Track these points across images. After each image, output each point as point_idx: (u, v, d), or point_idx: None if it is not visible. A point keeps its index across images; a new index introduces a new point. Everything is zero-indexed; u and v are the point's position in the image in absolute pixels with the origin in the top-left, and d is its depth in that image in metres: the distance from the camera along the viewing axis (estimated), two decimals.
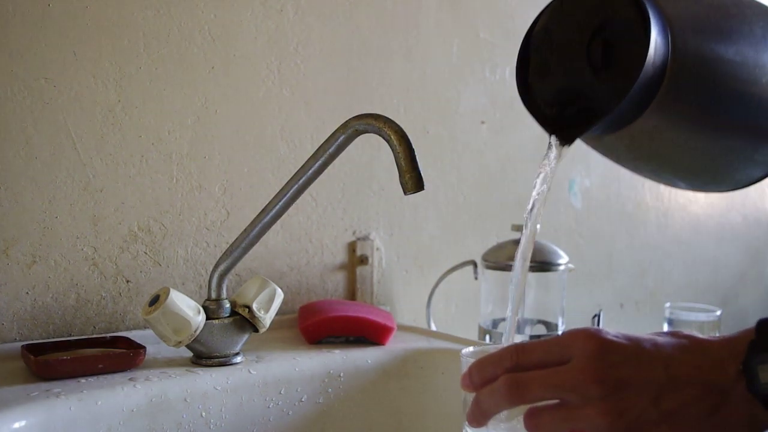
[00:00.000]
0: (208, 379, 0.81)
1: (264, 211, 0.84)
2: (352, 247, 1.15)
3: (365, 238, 1.16)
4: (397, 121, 0.77)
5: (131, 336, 0.89)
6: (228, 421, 0.82)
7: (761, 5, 0.65)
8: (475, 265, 1.19)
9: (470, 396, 0.55)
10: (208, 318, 0.84)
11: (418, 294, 1.23)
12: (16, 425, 0.68)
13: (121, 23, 0.93)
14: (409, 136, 0.76)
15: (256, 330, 0.86)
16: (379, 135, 0.77)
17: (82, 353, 0.83)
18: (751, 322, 0.51)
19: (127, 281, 0.95)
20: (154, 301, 0.81)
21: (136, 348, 0.83)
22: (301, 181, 0.82)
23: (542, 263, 1.12)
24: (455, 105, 1.27)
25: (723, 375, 0.49)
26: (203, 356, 0.85)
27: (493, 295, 1.18)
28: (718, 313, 1.29)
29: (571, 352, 0.51)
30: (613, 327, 1.07)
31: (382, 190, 1.18)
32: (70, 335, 0.91)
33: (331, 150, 0.80)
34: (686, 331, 0.53)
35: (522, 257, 0.66)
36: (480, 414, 0.53)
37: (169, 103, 0.97)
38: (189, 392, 0.79)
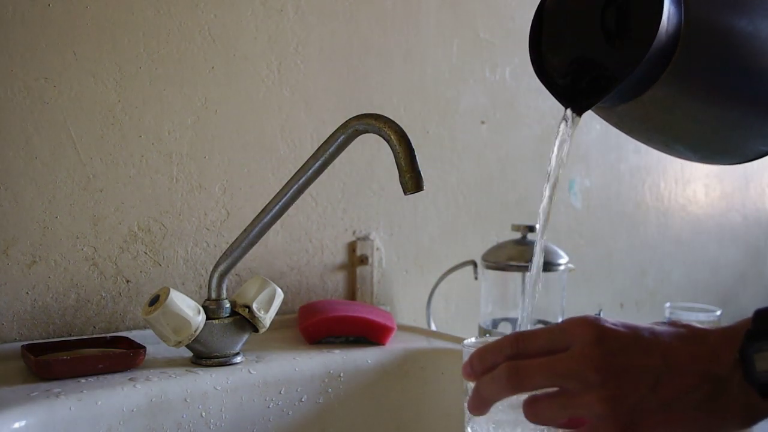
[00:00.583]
0: (208, 379, 0.81)
1: (264, 211, 0.84)
2: (352, 247, 1.15)
3: (365, 238, 1.16)
4: (397, 121, 0.77)
5: (131, 336, 0.89)
6: (228, 421, 0.82)
7: None
8: (475, 265, 1.19)
9: (472, 386, 0.55)
10: (208, 318, 0.84)
11: (418, 294, 1.23)
12: (16, 425, 0.68)
13: (121, 23, 0.93)
14: (409, 136, 0.76)
15: (256, 330, 0.86)
16: (379, 135, 0.77)
17: (82, 353, 0.83)
18: None
19: (127, 281, 0.95)
20: (154, 301, 0.81)
21: (136, 348, 0.83)
22: (301, 181, 0.82)
23: (542, 263, 1.12)
24: (455, 105, 1.27)
25: (720, 364, 0.49)
26: (203, 356, 0.85)
27: (493, 295, 1.18)
28: (718, 313, 1.29)
29: (571, 340, 0.51)
30: None
31: (382, 190, 1.18)
32: (70, 335, 0.91)
33: (331, 150, 0.80)
34: (684, 321, 0.53)
35: (543, 218, 0.67)
36: (480, 402, 0.54)
37: (169, 103, 0.97)
38: (189, 392, 0.79)
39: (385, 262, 1.18)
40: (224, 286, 0.86)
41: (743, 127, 0.65)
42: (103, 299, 0.94)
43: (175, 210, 0.99)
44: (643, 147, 1.58)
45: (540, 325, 1.18)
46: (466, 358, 0.56)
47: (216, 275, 0.86)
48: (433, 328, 1.19)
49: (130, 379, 0.78)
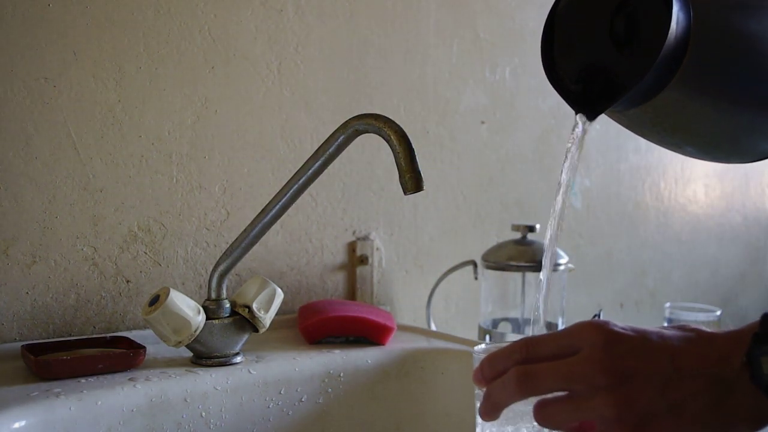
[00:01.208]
0: (208, 379, 0.81)
1: (264, 211, 0.84)
2: (352, 247, 1.15)
3: (365, 238, 1.16)
4: (397, 121, 0.77)
5: (131, 336, 0.89)
6: (228, 421, 0.82)
7: None
8: (475, 265, 1.19)
9: (483, 392, 0.56)
10: (208, 318, 0.84)
11: (418, 294, 1.23)
12: (16, 425, 0.68)
13: (121, 23, 0.94)
14: (409, 136, 0.76)
15: (256, 330, 0.86)
16: (379, 135, 0.77)
17: (82, 353, 0.83)
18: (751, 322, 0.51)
19: (127, 281, 0.95)
20: (154, 301, 0.81)
21: (136, 348, 0.83)
22: (301, 181, 0.82)
23: (542, 263, 1.12)
24: (455, 105, 1.27)
25: (728, 367, 0.49)
26: (203, 356, 0.85)
27: (493, 295, 1.19)
28: (718, 313, 1.29)
29: (579, 344, 0.51)
30: None
31: (382, 190, 1.18)
32: (70, 335, 0.91)
33: (331, 150, 0.80)
34: (693, 324, 0.53)
35: (555, 225, 0.68)
36: (491, 407, 0.54)
37: (169, 103, 0.97)
38: (189, 392, 0.79)
39: (385, 262, 1.18)
40: (224, 286, 0.86)
41: (754, 128, 0.66)
42: (103, 299, 0.94)
43: (175, 210, 0.99)
44: (643, 147, 1.58)
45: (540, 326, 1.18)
46: (476, 364, 0.56)
47: (216, 275, 0.86)
48: (433, 328, 1.19)
49: (130, 379, 0.78)
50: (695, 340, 0.51)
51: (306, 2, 1.08)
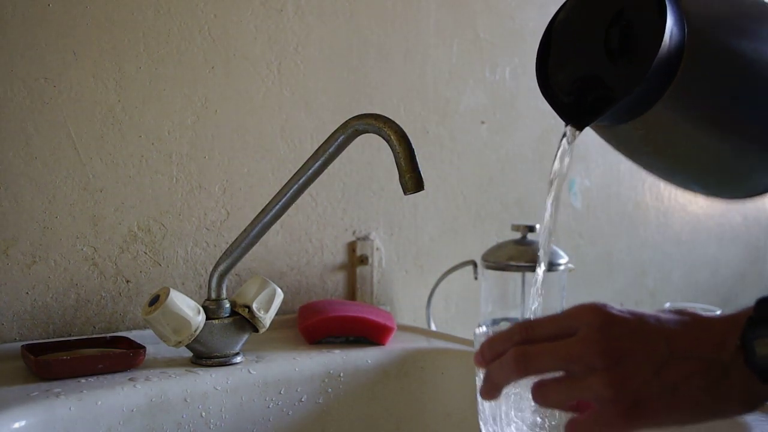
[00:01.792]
0: (208, 379, 0.81)
1: (264, 211, 0.84)
2: (352, 247, 1.15)
3: (365, 238, 1.16)
4: (397, 121, 0.77)
5: (131, 336, 0.89)
6: (228, 421, 0.82)
7: None
8: (475, 265, 1.19)
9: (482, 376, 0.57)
10: (208, 318, 0.84)
11: (418, 294, 1.22)
12: (16, 425, 0.68)
13: (121, 23, 0.94)
14: (409, 136, 0.76)
15: (256, 330, 0.86)
16: (379, 135, 0.77)
17: (82, 353, 0.83)
18: None
19: (127, 281, 0.95)
20: (154, 301, 0.81)
21: (136, 348, 0.83)
22: (301, 181, 0.82)
23: (536, 265, 1.12)
24: (455, 105, 1.27)
25: (723, 350, 0.50)
26: (203, 356, 0.85)
27: (493, 295, 1.18)
28: (718, 313, 1.29)
29: (577, 325, 0.52)
30: None
31: (382, 190, 1.18)
32: (70, 335, 0.91)
33: (331, 150, 0.80)
34: (690, 309, 0.54)
35: (546, 234, 0.68)
36: (491, 386, 0.55)
37: (169, 103, 0.97)
38: (189, 392, 0.79)
39: (385, 262, 1.18)
40: (224, 286, 0.86)
41: (748, 156, 0.65)
42: (103, 299, 0.94)
43: (175, 210, 0.99)
44: None
45: None
46: (477, 346, 0.57)
47: (216, 275, 0.86)
48: (433, 328, 1.19)
49: (130, 379, 0.78)
50: (691, 323, 0.52)
51: (306, 2, 1.08)
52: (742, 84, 0.62)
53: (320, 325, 0.95)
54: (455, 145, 1.27)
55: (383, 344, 0.96)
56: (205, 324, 0.83)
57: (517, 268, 1.12)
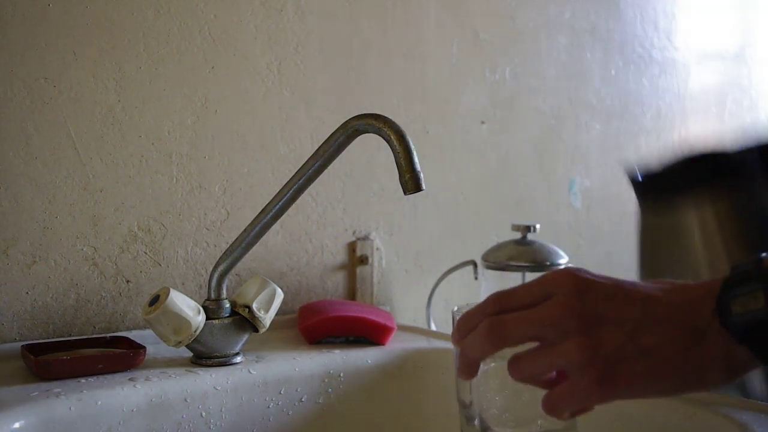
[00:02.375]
0: (208, 379, 0.81)
1: (264, 211, 0.83)
2: (352, 247, 1.15)
3: (365, 238, 1.16)
4: (397, 121, 0.77)
5: (131, 336, 0.89)
6: (228, 421, 0.82)
7: None
8: (475, 265, 1.19)
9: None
10: (208, 318, 0.84)
11: (418, 294, 1.22)
12: (16, 425, 0.68)
13: (121, 23, 0.93)
14: (409, 136, 0.76)
15: (256, 330, 0.86)
16: (379, 135, 0.77)
17: (82, 353, 0.83)
18: None
19: (127, 281, 0.95)
20: (154, 301, 0.81)
21: (136, 348, 0.83)
22: (301, 181, 0.82)
23: (542, 263, 1.12)
24: (455, 105, 1.27)
25: (700, 313, 0.49)
26: (203, 356, 0.85)
27: None
28: None
29: (552, 291, 0.52)
30: None
31: (382, 190, 1.18)
32: (70, 335, 0.91)
33: (331, 150, 0.80)
34: (668, 279, 0.53)
35: None
36: (466, 363, 0.54)
37: (169, 103, 0.97)
38: (189, 392, 0.79)
39: (385, 262, 1.18)
40: (224, 286, 0.86)
41: None
42: (103, 299, 0.94)
43: (175, 210, 0.99)
44: (643, 147, 1.58)
45: None
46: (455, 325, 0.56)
47: (216, 275, 0.86)
48: (433, 328, 1.19)
49: (130, 379, 0.78)
50: (667, 289, 0.52)
51: (306, 2, 1.08)
52: None
53: (320, 325, 0.95)
54: (455, 145, 1.27)
55: (383, 344, 0.96)
56: (205, 324, 0.83)
57: (517, 268, 1.12)
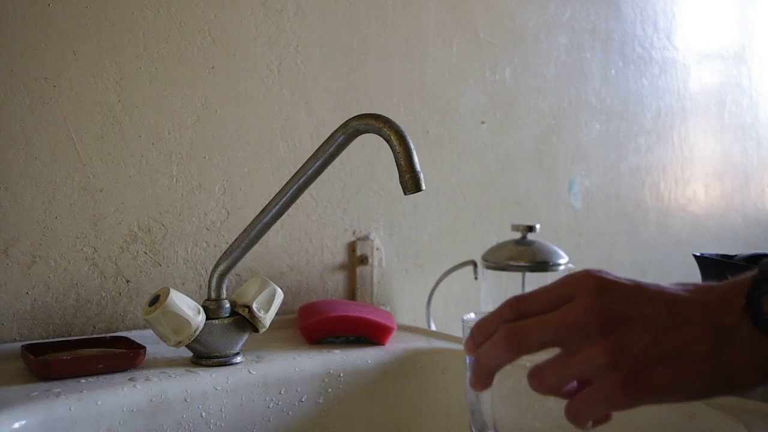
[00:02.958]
0: (208, 379, 0.81)
1: (264, 211, 0.84)
2: (352, 247, 1.15)
3: (365, 238, 1.16)
4: (397, 121, 0.77)
5: (131, 336, 0.89)
6: (228, 421, 0.82)
7: None
8: (475, 265, 1.19)
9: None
10: (208, 318, 0.84)
11: (418, 294, 1.23)
12: (16, 425, 0.68)
13: (121, 23, 0.94)
14: (409, 136, 0.76)
15: (256, 330, 0.86)
16: (379, 135, 0.77)
17: (82, 353, 0.83)
18: None
19: (127, 281, 0.95)
20: (154, 301, 0.81)
21: (136, 348, 0.83)
22: (301, 181, 0.82)
23: (542, 263, 1.12)
24: (455, 105, 1.27)
25: (728, 312, 0.47)
26: (203, 356, 0.85)
27: (492, 295, 1.18)
28: None
29: (573, 293, 0.49)
30: None
31: (382, 190, 1.18)
32: (70, 335, 0.91)
33: (331, 150, 0.80)
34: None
35: None
36: (482, 372, 0.51)
37: (169, 103, 0.97)
38: (189, 392, 0.79)
39: (385, 262, 1.18)
40: (224, 286, 0.86)
41: None
42: (103, 299, 0.94)
43: (175, 210, 0.99)
44: (643, 147, 1.58)
45: None
46: (466, 334, 0.53)
47: (216, 275, 0.86)
48: (433, 328, 1.19)
49: (130, 379, 0.78)
50: (693, 289, 0.49)
51: (306, 2, 1.08)
52: None
53: (320, 325, 0.95)
54: (455, 145, 1.27)
55: (383, 344, 0.96)
56: (205, 324, 0.83)
57: (517, 268, 1.12)
